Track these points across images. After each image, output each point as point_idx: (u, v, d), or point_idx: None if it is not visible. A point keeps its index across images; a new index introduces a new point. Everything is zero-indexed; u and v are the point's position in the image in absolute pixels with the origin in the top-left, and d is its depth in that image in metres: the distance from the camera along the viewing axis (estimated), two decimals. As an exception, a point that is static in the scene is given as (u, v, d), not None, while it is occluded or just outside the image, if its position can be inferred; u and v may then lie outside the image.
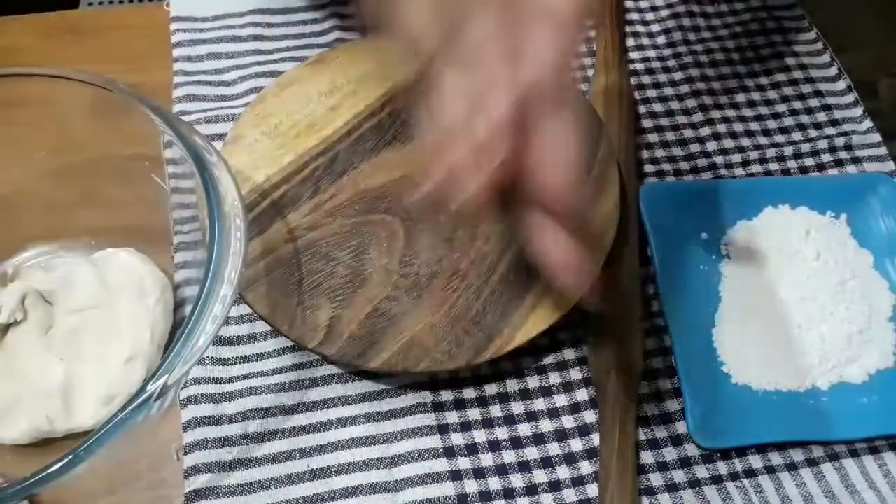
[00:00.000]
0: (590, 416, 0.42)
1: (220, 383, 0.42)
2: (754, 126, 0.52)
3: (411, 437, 0.41)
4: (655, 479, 0.40)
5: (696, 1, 0.58)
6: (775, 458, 0.41)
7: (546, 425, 0.41)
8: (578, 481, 0.40)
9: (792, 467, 0.41)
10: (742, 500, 0.40)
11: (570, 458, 0.40)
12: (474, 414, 0.41)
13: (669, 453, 0.41)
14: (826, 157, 0.51)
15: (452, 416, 0.41)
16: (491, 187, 0.30)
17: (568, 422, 0.41)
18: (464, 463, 0.40)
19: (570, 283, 0.32)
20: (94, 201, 0.45)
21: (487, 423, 0.41)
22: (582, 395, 0.42)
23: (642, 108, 0.53)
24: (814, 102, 0.53)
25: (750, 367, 0.42)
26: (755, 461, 0.41)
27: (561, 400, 0.42)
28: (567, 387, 0.42)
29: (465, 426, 0.41)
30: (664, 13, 0.57)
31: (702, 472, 0.40)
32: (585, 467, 0.40)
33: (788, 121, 0.53)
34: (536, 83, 0.30)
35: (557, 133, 0.31)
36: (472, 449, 0.40)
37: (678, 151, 0.51)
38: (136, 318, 0.41)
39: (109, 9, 0.60)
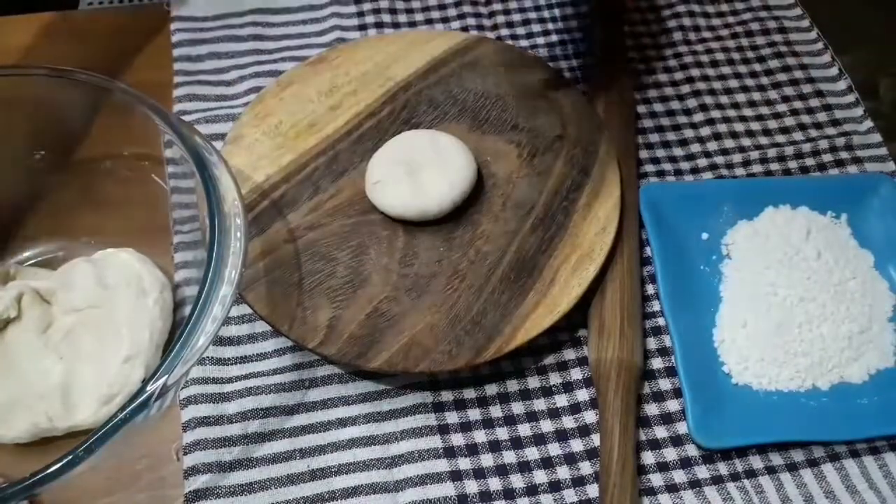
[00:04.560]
0: (590, 417, 0.42)
1: (220, 383, 0.42)
2: (755, 126, 0.52)
3: (411, 437, 0.40)
4: (656, 480, 0.40)
5: (697, 1, 0.58)
6: (776, 459, 0.41)
7: (546, 425, 0.41)
8: (579, 482, 0.40)
9: (792, 467, 0.41)
10: (743, 501, 0.40)
11: (570, 459, 0.40)
12: (475, 414, 0.41)
13: (670, 453, 0.41)
14: (827, 157, 0.51)
15: (453, 417, 0.41)
16: None
17: (568, 422, 0.41)
18: (464, 463, 0.40)
19: None
20: (94, 201, 0.45)
21: (488, 423, 0.41)
22: (582, 395, 0.42)
23: (642, 108, 0.53)
24: (814, 102, 0.53)
25: (750, 367, 0.42)
26: (756, 461, 0.41)
27: (561, 400, 0.42)
28: (567, 387, 0.42)
29: (466, 426, 0.41)
30: (664, 13, 0.57)
31: (702, 472, 0.40)
32: (586, 468, 0.40)
33: (789, 121, 0.53)
34: None
35: None
36: (472, 449, 0.40)
37: (679, 151, 0.51)
38: (134, 318, 0.41)
39: (109, 9, 0.60)
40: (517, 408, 0.42)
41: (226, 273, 0.34)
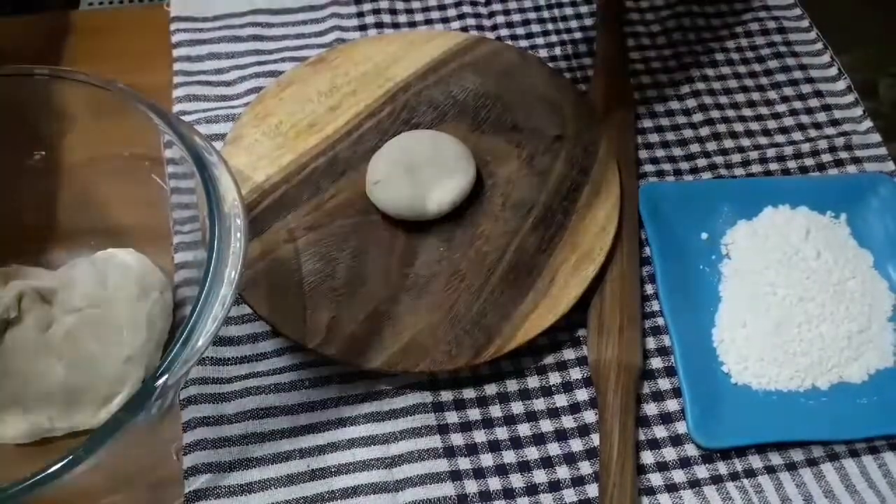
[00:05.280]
0: (590, 416, 0.42)
1: (220, 383, 0.42)
2: (754, 126, 0.52)
3: (411, 437, 0.41)
4: (655, 479, 0.40)
5: (697, 1, 0.58)
6: (775, 458, 0.41)
7: (546, 425, 0.41)
8: (578, 481, 0.40)
9: (792, 467, 0.41)
10: (742, 500, 0.40)
11: (569, 458, 0.40)
12: (474, 414, 0.41)
13: (669, 453, 0.41)
14: (826, 157, 0.51)
15: (452, 417, 0.41)
16: None
17: (568, 422, 0.41)
18: (464, 463, 0.40)
19: None
20: (94, 201, 0.45)
21: (487, 423, 0.41)
22: (582, 395, 0.42)
23: (642, 108, 0.53)
24: (814, 102, 0.53)
25: (750, 366, 0.42)
26: (755, 461, 0.41)
27: (561, 400, 0.42)
28: (567, 387, 0.42)
29: (465, 426, 0.41)
30: (664, 13, 0.57)
31: (702, 471, 0.40)
32: (585, 467, 0.40)
33: (788, 121, 0.53)
34: None
35: None
36: (472, 449, 0.40)
37: (678, 151, 0.51)
38: (134, 318, 0.41)
39: (109, 9, 0.60)
40: (517, 408, 0.42)
41: (226, 273, 0.34)
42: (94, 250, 0.44)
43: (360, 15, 0.56)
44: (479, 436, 0.41)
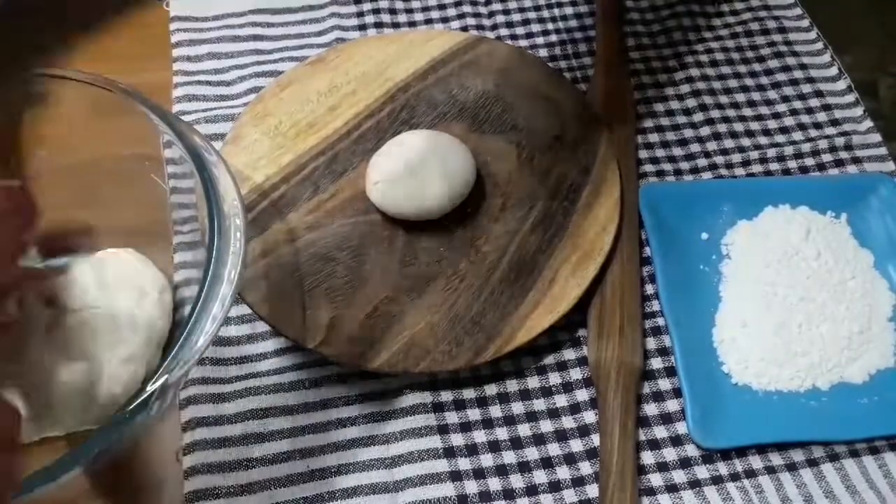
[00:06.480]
0: (590, 417, 0.42)
1: (220, 383, 0.42)
2: (754, 126, 0.52)
3: (411, 437, 0.40)
4: (655, 480, 0.40)
5: (697, 1, 0.58)
6: (775, 459, 0.41)
7: (546, 426, 0.41)
8: (579, 482, 0.40)
9: (792, 467, 0.41)
10: (742, 501, 0.40)
11: (570, 459, 0.40)
12: (474, 414, 0.41)
13: (669, 454, 0.41)
14: (826, 157, 0.51)
15: (452, 417, 0.41)
16: None
17: (568, 422, 0.41)
18: (464, 463, 0.40)
19: None
20: (94, 201, 0.44)
21: (487, 423, 0.41)
22: (582, 395, 0.42)
23: (642, 108, 0.53)
24: (814, 102, 0.53)
25: (750, 367, 0.42)
26: (755, 461, 0.41)
27: (561, 400, 0.42)
28: (567, 387, 0.42)
29: (465, 426, 0.41)
30: (664, 13, 0.57)
31: (702, 472, 0.40)
32: (585, 468, 0.40)
33: (789, 121, 0.53)
34: None
35: None
36: (472, 449, 0.40)
37: (678, 151, 0.51)
38: (134, 318, 0.41)
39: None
40: (517, 408, 0.42)
41: (225, 273, 0.34)
42: (93, 250, 0.44)
43: (360, 15, 0.56)
44: (479, 436, 0.41)
